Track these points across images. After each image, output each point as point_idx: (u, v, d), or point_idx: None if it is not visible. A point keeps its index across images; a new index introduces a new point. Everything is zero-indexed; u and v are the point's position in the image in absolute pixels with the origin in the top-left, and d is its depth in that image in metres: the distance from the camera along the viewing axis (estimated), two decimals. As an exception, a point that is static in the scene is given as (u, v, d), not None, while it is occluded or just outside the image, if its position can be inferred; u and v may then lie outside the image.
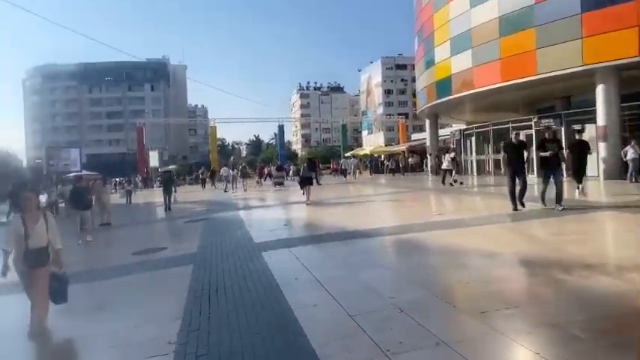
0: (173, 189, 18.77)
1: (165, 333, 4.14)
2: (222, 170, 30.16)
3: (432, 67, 27.70)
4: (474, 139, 27.53)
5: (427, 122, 33.73)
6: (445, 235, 7.81)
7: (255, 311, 4.51)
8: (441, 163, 29.57)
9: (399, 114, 70.65)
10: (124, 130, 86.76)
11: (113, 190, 33.45)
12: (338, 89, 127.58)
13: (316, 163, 26.21)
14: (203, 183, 33.66)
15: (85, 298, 5.77)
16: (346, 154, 54.30)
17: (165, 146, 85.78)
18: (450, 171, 19.43)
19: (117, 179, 42.88)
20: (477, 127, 27.03)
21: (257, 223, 11.54)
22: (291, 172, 35.78)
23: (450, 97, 25.38)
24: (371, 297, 4.63)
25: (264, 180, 32.64)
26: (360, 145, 78.00)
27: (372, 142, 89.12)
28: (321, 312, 4.32)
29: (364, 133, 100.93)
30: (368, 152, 46.53)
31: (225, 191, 26.96)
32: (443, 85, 26.14)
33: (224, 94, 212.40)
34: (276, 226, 10.63)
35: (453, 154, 19.90)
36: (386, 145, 56.00)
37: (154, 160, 61.89)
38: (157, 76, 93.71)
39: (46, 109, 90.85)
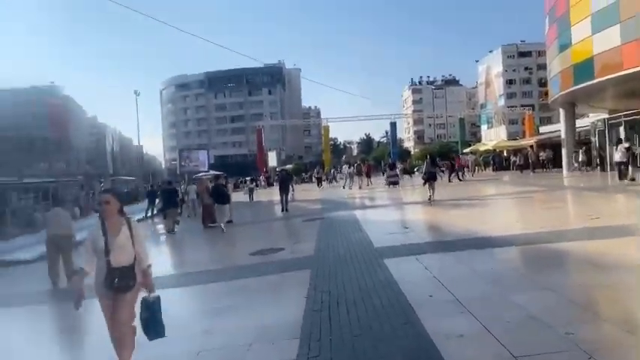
0: (290, 187, 18.99)
1: (281, 358, 3.55)
2: (342, 168, 30.37)
3: (567, 50, 24.30)
4: (621, 129, 23.55)
5: (562, 112, 29.85)
6: (612, 245, 6.23)
7: (386, 338, 3.70)
8: (579, 157, 26.08)
9: (523, 105, 64.36)
10: (246, 132, 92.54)
11: (236, 189, 35.23)
12: (453, 82, 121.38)
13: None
14: (319, 182, 33.75)
15: (199, 301, 5.54)
16: (465, 150, 51.09)
17: (282, 147, 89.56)
18: (626, 164, 16.67)
19: (242, 178, 45.57)
20: (625, 116, 23.06)
21: (375, 225, 10.75)
22: (398, 170, 33.79)
23: (592, 81, 21.94)
24: (537, 329, 3.54)
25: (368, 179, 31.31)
26: (478, 140, 72.95)
27: (492, 136, 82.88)
28: (472, 347, 3.37)
29: (483, 127, 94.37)
30: (490, 147, 42.96)
31: (343, 188, 27.07)
32: (582, 69, 22.73)
33: (335, 96, 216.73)
34: (396, 228, 9.76)
35: (627, 144, 17.05)
36: (509, 140, 51.38)
37: (272, 160, 64.98)
38: (274, 80, 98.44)
39: (179, 115, 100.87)
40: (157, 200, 19.32)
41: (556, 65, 26.72)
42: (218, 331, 4.49)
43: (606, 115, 27.55)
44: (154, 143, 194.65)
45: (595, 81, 21.64)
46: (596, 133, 27.38)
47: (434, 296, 4.65)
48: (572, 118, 29.44)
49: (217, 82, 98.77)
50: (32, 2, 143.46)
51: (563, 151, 29.93)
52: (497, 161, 35.67)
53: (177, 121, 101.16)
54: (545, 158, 31.33)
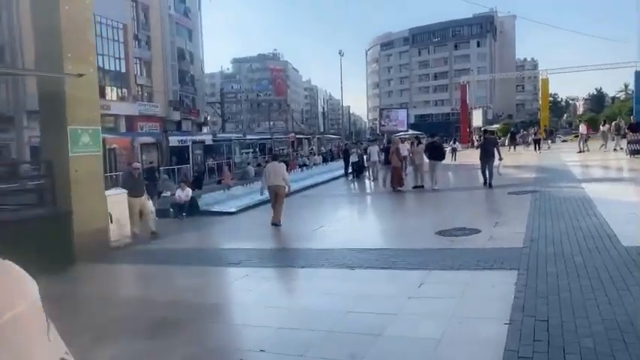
0: (497, 155, 15.96)
1: None
2: (580, 128, 24.03)
3: None
4: None
5: None
6: None
7: None
8: None
9: None
10: (449, 89, 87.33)
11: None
12: None
13: None
14: (537, 144, 28.12)
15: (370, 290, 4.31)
16: None
17: (490, 105, 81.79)
18: None
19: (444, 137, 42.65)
20: None
21: (618, 208, 7.75)
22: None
23: None
24: None
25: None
26: None
27: None
28: None
29: None
30: None
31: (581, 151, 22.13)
32: None
33: (558, 45, 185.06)
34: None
35: None
36: None
37: (477, 119, 59.72)
38: (484, 31, 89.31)
39: (383, 74, 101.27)
40: (351, 159, 19.01)
41: None
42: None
43: None
44: (361, 103, 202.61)
45: None
46: None
47: None
48: None
49: (422, 38, 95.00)
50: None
51: None
52: None
53: (380, 81, 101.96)
54: None
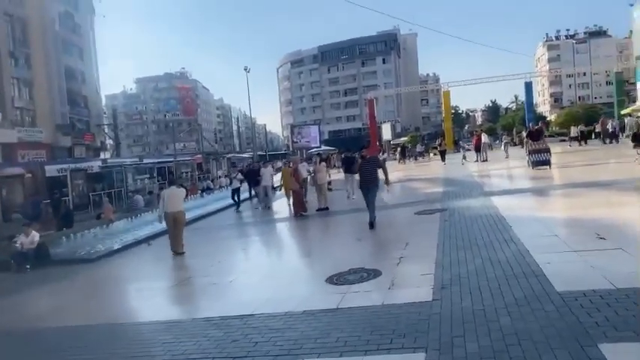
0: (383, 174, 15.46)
1: None
2: (482, 137, 23.99)
3: None
4: None
5: None
6: None
7: None
8: None
9: None
10: (359, 105, 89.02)
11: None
12: (599, 34, 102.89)
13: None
14: (442, 156, 26.04)
15: None
16: (622, 112, 41.45)
17: (398, 118, 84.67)
18: None
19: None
20: None
21: (534, 228, 6.69)
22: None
23: None
24: None
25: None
26: (632, 101, 59.54)
27: (654, 95, 67.72)
28: None
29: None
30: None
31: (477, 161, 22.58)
32: None
33: (457, 60, 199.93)
34: (584, 240, 5.68)
35: None
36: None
37: (387, 132, 60.92)
38: (388, 48, 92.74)
39: (295, 92, 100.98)
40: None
41: None
42: None
43: None
44: (278, 120, 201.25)
45: None
46: None
47: None
48: None
49: (330, 55, 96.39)
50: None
51: None
52: None
53: (293, 98, 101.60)
54: None
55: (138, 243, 11.09)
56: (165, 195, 9.15)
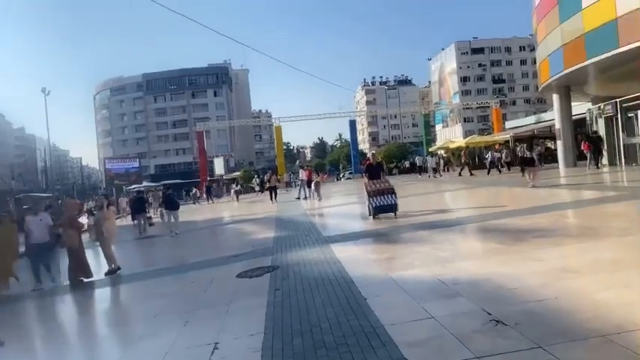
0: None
1: None
2: (300, 173, 22.77)
3: (576, 16, 19.59)
4: (640, 114, 19.16)
5: (555, 99, 25.36)
6: None
7: None
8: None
9: (479, 104, 58.97)
10: (190, 138, 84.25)
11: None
12: (406, 82, 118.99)
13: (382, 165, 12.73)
14: (272, 193, 22.82)
15: None
16: (431, 149, 46.48)
17: (231, 153, 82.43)
18: None
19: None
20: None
21: (405, 312, 4.75)
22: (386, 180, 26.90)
23: (616, 50, 17.19)
24: None
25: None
26: (433, 140, 68.65)
27: (448, 135, 79.62)
28: None
29: (438, 126, 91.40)
30: (462, 144, 38.00)
31: (298, 198, 21.66)
32: (600, 37, 18.00)
33: (287, 99, 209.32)
34: (476, 317, 3.82)
35: None
36: (481, 135, 47.27)
37: (219, 167, 57.88)
38: (219, 81, 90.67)
39: (115, 122, 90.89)
40: None
41: (554, 40, 22.01)
42: None
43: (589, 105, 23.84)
44: (95, 154, 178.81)
45: (623, 49, 16.84)
46: (595, 120, 23.13)
47: None
48: (567, 103, 25.02)
49: (157, 84, 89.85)
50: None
51: (559, 144, 25.49)
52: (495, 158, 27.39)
53: (112, 129, 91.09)
54: (539, 153, 26.63)
55: None
56: None
